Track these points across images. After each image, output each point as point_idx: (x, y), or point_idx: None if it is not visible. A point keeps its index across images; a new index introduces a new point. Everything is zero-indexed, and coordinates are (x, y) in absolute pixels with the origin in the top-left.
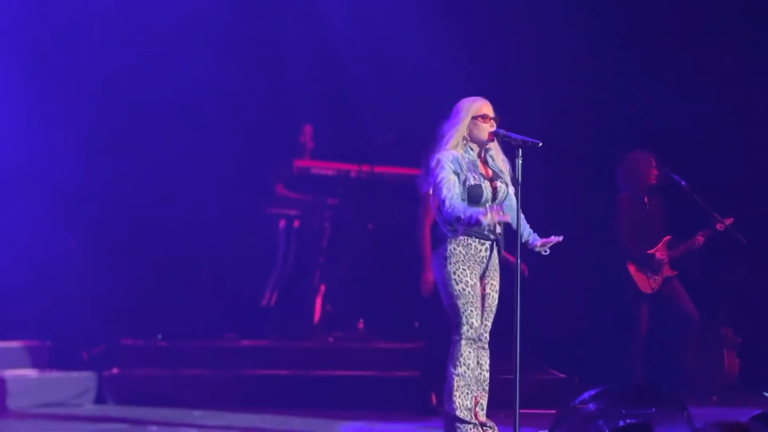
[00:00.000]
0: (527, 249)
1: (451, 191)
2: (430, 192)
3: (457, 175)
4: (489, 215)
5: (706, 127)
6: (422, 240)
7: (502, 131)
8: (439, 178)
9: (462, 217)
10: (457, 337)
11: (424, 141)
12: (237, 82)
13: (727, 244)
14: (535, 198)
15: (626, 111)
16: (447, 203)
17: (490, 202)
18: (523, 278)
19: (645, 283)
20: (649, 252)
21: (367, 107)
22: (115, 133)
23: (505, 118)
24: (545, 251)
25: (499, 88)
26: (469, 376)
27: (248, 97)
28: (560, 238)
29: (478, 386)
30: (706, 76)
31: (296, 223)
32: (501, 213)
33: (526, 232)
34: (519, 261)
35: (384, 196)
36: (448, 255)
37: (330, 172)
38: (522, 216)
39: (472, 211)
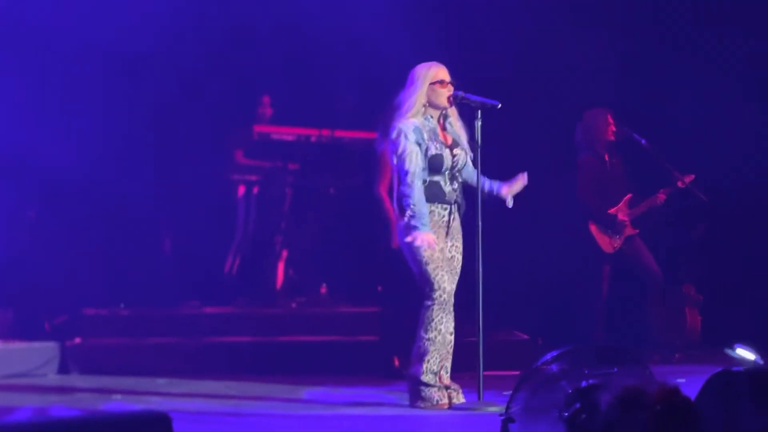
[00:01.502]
0: (490, 208)
1: (413, 164)
2: (394, 161)
3: (419, 145)
4: (418, 240)
5: (665, 84)
6: (383, 203)
7: (460, 94)
8: (401, 149)
9: (410, 207)
10: (429, 302)
11: (384, 104)
12: (196, 47)
13: (687, 202)
14: (495, 160)
15: (586, 71)
16: (409, 178)
17: (449, 170)
18: (485, 239)
19: (607, 243)
20: (610, 212)
21: (327, 71)
22: (71, 98)
23: (463, 80)
24: (509, 202)
25: (457, 49)
26: (439, 341)
27: (207, 62)
28: (524, 179)
29: (443, 349)
30: (661, 36)
31: (256, 190)
32: (429, 244)
33: (488, 183)
34: (480, 224)
35: (345, 160)
36: None
37: (290, 138)
38: (482, 178)
39: (418, 216)
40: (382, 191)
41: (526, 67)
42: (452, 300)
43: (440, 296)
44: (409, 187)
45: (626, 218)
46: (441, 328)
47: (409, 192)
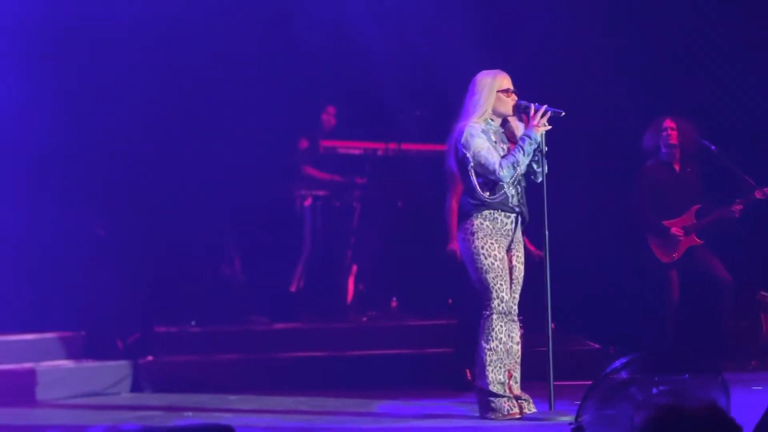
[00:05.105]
0: (556, 217)
1: (494, 155)
2: (470, 163)
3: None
4: (538, 128)
5: (739, 90)
6: (449, 212)
7: (524, 103)
8: (478, 148)
9: (518, 160)
10: (487, 312)
11: (450, 116)
12: (260, 61)
13: (762, 208)
14: (559, 168)
15: (651, 79)
16: (494, 166)
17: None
18: (552, 248)
19: (664, 253)
20: (666, 223)
21: (392, 84)
22: (137, 118)
23: (525, 88)
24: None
25: (519, 58)
26: (501, 350)
27: (272, 76)
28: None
29: (510, 359)
30: (735, 46)
31: (323, 204)
32: (543, 115)
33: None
34: (547, 233)
35: (412, 173)
36: (475, 230)
37: (357, 151)
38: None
39: (518, 148)
40: (454, 203)
41: (589, 72)
42: (514, 308)
43: (498, 305)
44: (504, 172)
45: (680, 231)
46: (502, 337)
47: (508, 172)
